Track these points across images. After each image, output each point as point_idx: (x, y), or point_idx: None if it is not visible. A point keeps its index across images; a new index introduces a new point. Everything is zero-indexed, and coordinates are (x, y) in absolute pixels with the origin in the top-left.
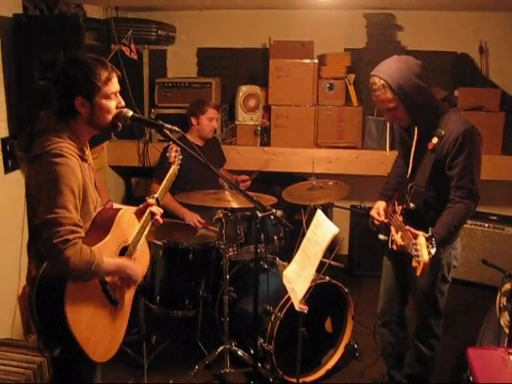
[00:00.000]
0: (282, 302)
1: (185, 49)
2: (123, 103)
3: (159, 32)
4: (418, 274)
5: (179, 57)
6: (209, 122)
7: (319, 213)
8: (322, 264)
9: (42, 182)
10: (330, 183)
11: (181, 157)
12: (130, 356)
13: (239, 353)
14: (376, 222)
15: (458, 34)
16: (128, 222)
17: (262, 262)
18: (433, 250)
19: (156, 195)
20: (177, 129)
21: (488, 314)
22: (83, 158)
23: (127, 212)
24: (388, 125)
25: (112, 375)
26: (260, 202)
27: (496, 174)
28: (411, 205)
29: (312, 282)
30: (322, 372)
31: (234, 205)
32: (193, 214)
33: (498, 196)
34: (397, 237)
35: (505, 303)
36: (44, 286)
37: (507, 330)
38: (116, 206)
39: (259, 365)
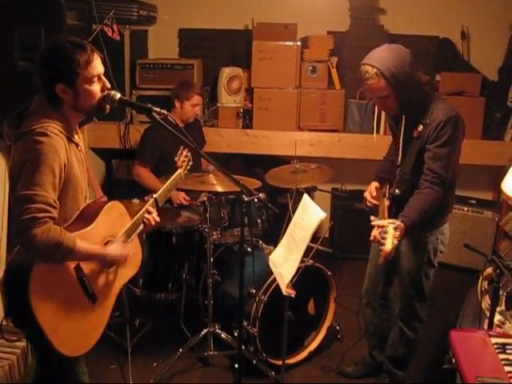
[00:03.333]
0: (265, 285)
1: (166, 29)
2: (108, 85)
3: (140, 12)
4: (379, 261)
5: (160, 37)
6: (192, 107)
7: (306, 197)
8: (309, 248)
9: (24, 159)
10: (313, 166)
11: (191, 163)
12: (113, 339)
13: (222, 335)
14: (368, 204)
15: (441, 18)
16: (117, 217)
17: (245, 245)
18: (397, 239)
19: (155, 195)
20: (165, 112)
21: (468, 297)
22: (71, 140)
23: (117, 206)
24: (376, 109)
25: (95, 359)
26: (246, 185)
27: (476, 159)
28: (396, 191)
29: None
30: (304, 354)
31: (219, 188)
32: (178, 192)
33: (478, 180)
34: (374, 230)
35: (486, 287)
36: (12, 269)
37: (488, 313)
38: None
39: (243, 347)
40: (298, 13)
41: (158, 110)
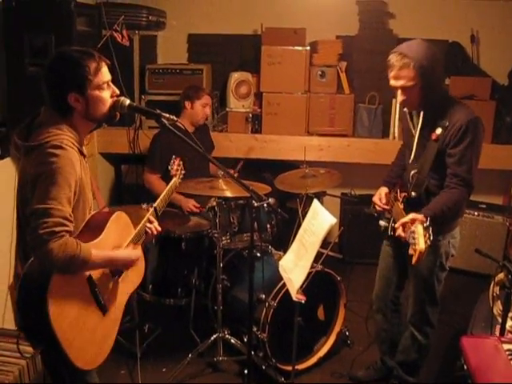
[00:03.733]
0: (275, 291)
1: (175, 35)
2: (117, 92)
3: (150, 17)
4: (413, 262)
5: (170, 43)
6: (203, 107)
7: (316, 203)
8: (319, 254)
9: (39, 172)
10: (322, 171)
11: (183, 171)
12: (123, 345)
13: (232, 341)
14: (377, 208)
15: (450, 22)
16: (123, 226)
17: (254, 251)
18: (430, 240)
19: (154, 205)
20: (174, 118)
21: (478, 302)
22: (82, 153)
23: (122, 215)
24: (392, 113)
25: (104, 364)
26: (255, 190)
27: (486, 163)
28: (413, 193)
29: None
30: (314, 359)
31: (228, 193)
32: (188, 200)
33: (488, 185)
34: (397, 225)
35: (498, 292)
36: (28, 282)
37: (500, 319)
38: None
39: (252, 353)
40: (306, 17)
41: (168, 115)
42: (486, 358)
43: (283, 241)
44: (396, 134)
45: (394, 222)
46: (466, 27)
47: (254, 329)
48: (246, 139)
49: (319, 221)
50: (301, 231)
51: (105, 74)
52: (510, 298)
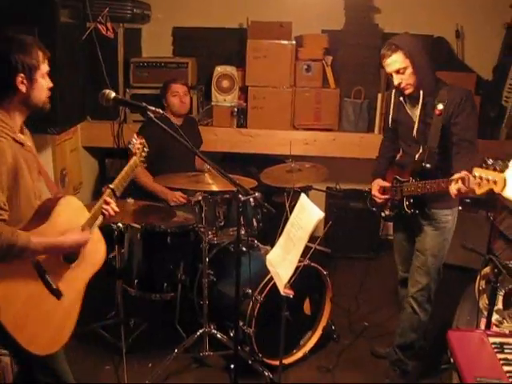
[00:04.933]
0: (261, 285)
1: (160, 28)
2: (51, 85)
3: (134, 10)
4: (499, 190)
5: (154, 36)
6: (174, 96)
7: (303, 197)
8: (307, 248)
9: None
10: (308, 166)
11: (146, 149)
12: (108, 340)
13: (218, 335)
14: (378, 201)
15: (435, 17)
16: (74, 210)
17: (240, 245)
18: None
19: (112, 186)
20: (160, 111)
21: (463, 296)
22: (17, 140)
23: (72, 200)
24: (378, 107)
25: (90, 360)
26: (242, 184)
27: None
28: (427, 165)
29: None
30: (300, 354)
31: (215, 188)
32: (174, 193)
33: None
34: (457, 186)
35: (484, 286)
36: None
37: (486, 313)
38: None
39: (238, 347)
40: (292, 11)
41: (153, 108)
42: (472, 351)
43: (269, 235)
44: (390, 123)
45: (408, 201)
46: (451, 22)
47: (241, 323)
48: (232, 133)
49: (307, 215)
50: (288, 225)
51: (47, 65)
52: (496, 291)
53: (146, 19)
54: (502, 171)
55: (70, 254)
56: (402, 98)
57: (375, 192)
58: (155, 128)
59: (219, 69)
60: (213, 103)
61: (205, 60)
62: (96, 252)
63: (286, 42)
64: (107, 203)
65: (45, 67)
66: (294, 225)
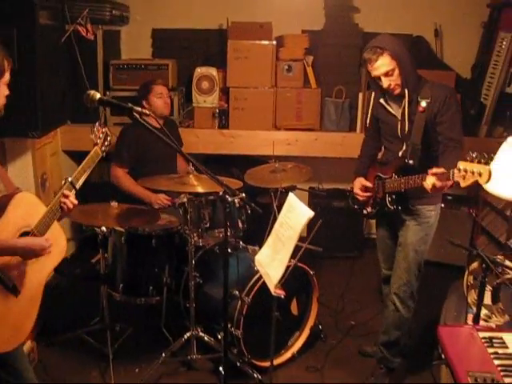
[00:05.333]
0: (248, 286)
1: (139, 29)
2: (7, 92)
3: (113, 12)
4: (483, 183)
5: (133, 38)
6: (158, 98)
7: (292, 196)
8: (298, 248)
9: None
10: (292, 166)
11: (109, 138)
12: (94, 346)
13: (205, 338)
14: (360, 199)
15: (414, 16)
16: (29, 206)
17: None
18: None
19: (70, 178)
20: (147, 112)
21: (449, 292)
22: None
23: (26, 195)
24: (359, 106)
25: (76, 366)
26: (228, 185)
27: None
28: (410, 161)
29: None
30: (288, 354)
31: (200, 189)
32: (157, 195)
33: None
34: (431, 181)
35: (472, 281)
36: None
37: (474, 308)
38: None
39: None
40: (272, 12)
41: (139, 109)
42: (462, 346)
43: (254, 236)
44: (368, 122)
45: (391, 197)
46: (430, 22)
47: (228, 325)
48: (213, 135)
49: (296, 214)
50: (276, 225)
51: (8, 74)
52: (485, 286)
53: (124, 21)
54: (487, 164)
55: None
56: (382, 100)
57: (357, 190)
58: (137, 129)
59: (199, 70)
60: (194, 105)
61: (185, 61)
62: (56, 246)
63: (266, 43)
64: (65, 196)
65: (7, 76)
66: (282, 224)
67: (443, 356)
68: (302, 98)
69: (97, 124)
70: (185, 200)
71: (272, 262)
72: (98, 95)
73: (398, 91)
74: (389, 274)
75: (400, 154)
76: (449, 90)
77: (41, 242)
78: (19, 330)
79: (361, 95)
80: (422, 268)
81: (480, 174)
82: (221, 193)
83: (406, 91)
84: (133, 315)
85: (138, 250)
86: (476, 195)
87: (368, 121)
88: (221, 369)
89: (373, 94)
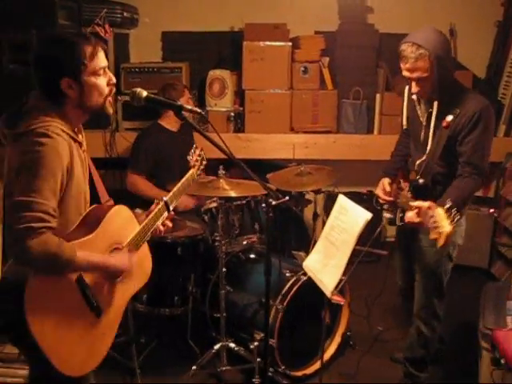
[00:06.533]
0: (282, 294)
1: (148, 32)
2: (114, 79)
3: (124, 14)
4: (440, 244)
5: (142, 41)
6: (188, 103)
7: (342, 198)
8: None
9: (22, 162)
10: (318, 168)
11: (205, 162)
12: (118, 360)
13: (236, 349)
14: (381, 201)
15: (429, 16)
16: (124, 222)
17: (252, 254)
18: (455, 219)
19: (165, 198)
20: (198, 110)
21: (483, 296)
22: (75, 140)
23: (122, 210)
24: (405, 104)
25: (100, 381)
26: (273, 189)
27: None
28: (420, 180)
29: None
30: (320, 363)
31: (232, 193)
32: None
33: None
34: (410, 214)
35: None
36: (6, 281)
37: None
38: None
39: (258, 359)
40: (284, 13)
41: (190, 107)
42: None
43: (283, 242)
44: (404, 122)
45: (402, 212)
46: (445, 21)
47: (261, 335)
48: (229, 139)
49: (351, 217)
50: (326, 229)
51: (101, 59)
52: None
53: (134, 23)
54: (453, 224)
55: None
56: (414, 96)
57: (378, 191)
58: (153, 136)
59: (212, 73)
60: (207, 108)
61: (196, 65)
62: (141, 267)
63: (282, 44)
64: (160, 216)
65: (97, 63)
66: (333, 228)
67: (503, 361)
68: (318, 99)
69: (194, 145)
70: (213, 205)
71: (324, 267)
72: (145, 93)
73: (425, 97)
74: (404, 287)
75: (417, 163)
76: (481, 106)
77: (131, 263)
78: (94, 354)
79: (378, 96)
80: (443, 289)
81: (440, 234)
82: (259, 197)
83: (436, 103)
84: (156, 327)
85: (163, 259)
86: (496, 195)
87: (403, 118)
88: (254, 380)
89: (407, 87)
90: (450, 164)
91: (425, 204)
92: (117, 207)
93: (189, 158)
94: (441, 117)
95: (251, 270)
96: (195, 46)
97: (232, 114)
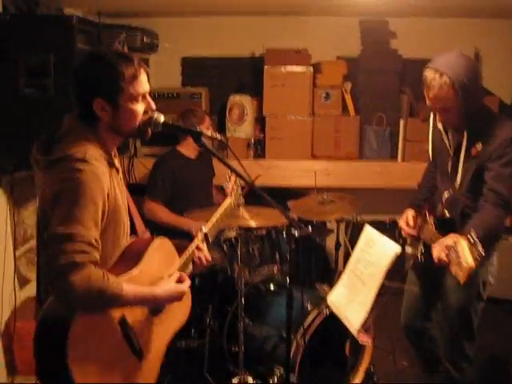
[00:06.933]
0: (303, 328)
1: (168, 58)
2: (153, 106)
3: (144, 39)
4: (461, 281)
5: (162, 66)
6: (208, 129)
7: (369, 229)
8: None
9: (59, 190)
10: (340, 196)
11: (240, 191)
12: None
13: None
14: (403, 234)
15: (454, 41)
16: (166, 255)
17: (272, 285)
18: (479, 252)
19: (205, 230)
20: (219, 136)
21: None
22: (113, 165)
23: (164, 243)
24: (430, 133)
25: None
26: (295, 219)
27: None
28: (447, 214)
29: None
30: None
31: (252, 223)
32: (198, 223)
33: None
34: (438, 252)
35: None
36: (47, 322)
37: None
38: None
39: None
40: (305, 39)
41: (210, 133)
42: None
43: (303, 272)
44: (429, 153)
45: (425, 247)
46: (470, 46)
47: (281, 369)
48: (249, 166)
49: (378, 250)
50: (352, 262)
51: (142, 84)
52: None
53: (154, 49)
54: (477, 260)
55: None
56: (440, 125)
57: (401, 223)
58: (171, 162)
59: (232, 98)
60: (228, 135)
61: (215, 90)
62: (181, 305)
63: (304, 69)
64: (199, 249)
65: (136, 88)
66: (360, 261)
67: None
68: (340, 126)
69: (229, 173)
70: (234, 235)
71: (350, 303)
72: (163, 118)
73: (452, 127)
74: (408, 325)
75: (445, 196)
76: (511, 133)
77: (184, 288)
78: None
79: (402, 122)
80: (474, 331)
81: (461, 269)
82: (279, 226)
83: (466, 134)
84: (172, 360)
85: None
86: None
87: (429, 148)
88: None
89: (431, 115)
90: (475, 194)
91: (449, 240)
92: (158, 241)
93: (224, 185)
94: (470, 146)
95: (271, 302)
96: (215, 71)
97: (252, 140)
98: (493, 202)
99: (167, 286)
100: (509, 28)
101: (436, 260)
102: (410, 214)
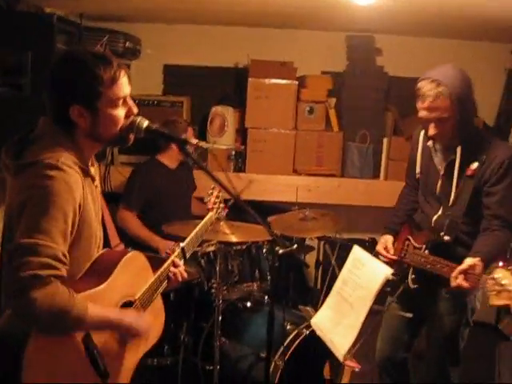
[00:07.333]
0: (282, 349)
1: (150, 64)
2: (135, 110)
3: (127, 44)
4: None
5: (143, 73)
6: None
7: (357, 250)
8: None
9: (27, 198)
10: (322, 213)
11: (222, 205)
12: None
13: None
14: (382, 259)
15: (439, 61)
16: (138, 270)
17: (249, 302)
18: None
19: (182, 244)
20: (205, 144)
21: (497, 357)
22: (87, 173)
23: (138, 257)
24: (419, 151)
25: None
26: (279, 236)
27: None
28: (445, 237)
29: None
30: None
31: (233, 238)
32: (166, 242)
33: None
34: (459, 280)
35: None
36: (2, 339)
37: None
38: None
39: None
40: (291, 51)
41: (195, 141)
42: None
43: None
44: (417, 170)
45: (415, 274)
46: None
47: None
48: (229, 178)
49: (367, 272)
50: (338, 283)
51: (122, 88)
52: None
53: (136, 55)
54: None
55: None
56: (430, 142)
57: (380, 248)
58: (149, 171)
59: (214, 109)
60: (209, 145)
61: (197, 100)
62: (154, 323)
63: (288, 82)
64: (176, 266)
65: (115, 91)
66: (347, 283)
67: None
68: (323, 141)
69: (212, 186)
70: (212, 249)
71: (336, 326)
72: (146, 123)
73: (445, 141)
74: (390, 357)
75: (434, 219)
76: (509, 154)
77: (148, 325)
78: None
79: (385, 140)
80: (460, 356)
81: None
82: (260, 242)
83: (459, 149)
84: (144, 378)
85: None
86: None
87: (417, 166)
88: None
89: (422, 132)
90: (474, 218)
91: (467, 263)
92: (131, 254)
93: (206, 199)
94: (463, 164)
95: (248, 321)
96: (198, 80)
97: (233, 152)
98: (498, 226)
99: (134, 316)
100: (494, 50)
101: (454, 287)
102: (388, 240)
